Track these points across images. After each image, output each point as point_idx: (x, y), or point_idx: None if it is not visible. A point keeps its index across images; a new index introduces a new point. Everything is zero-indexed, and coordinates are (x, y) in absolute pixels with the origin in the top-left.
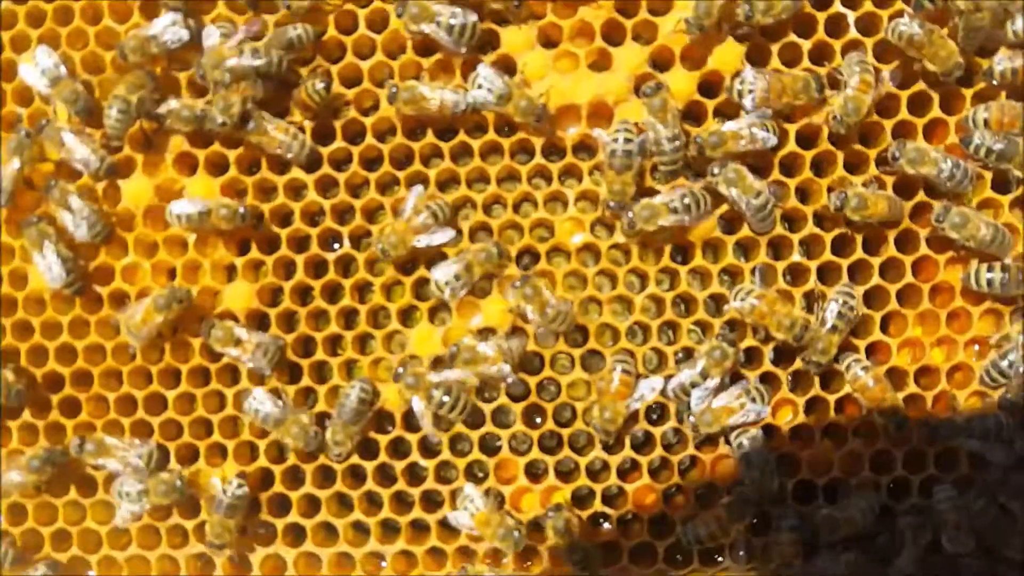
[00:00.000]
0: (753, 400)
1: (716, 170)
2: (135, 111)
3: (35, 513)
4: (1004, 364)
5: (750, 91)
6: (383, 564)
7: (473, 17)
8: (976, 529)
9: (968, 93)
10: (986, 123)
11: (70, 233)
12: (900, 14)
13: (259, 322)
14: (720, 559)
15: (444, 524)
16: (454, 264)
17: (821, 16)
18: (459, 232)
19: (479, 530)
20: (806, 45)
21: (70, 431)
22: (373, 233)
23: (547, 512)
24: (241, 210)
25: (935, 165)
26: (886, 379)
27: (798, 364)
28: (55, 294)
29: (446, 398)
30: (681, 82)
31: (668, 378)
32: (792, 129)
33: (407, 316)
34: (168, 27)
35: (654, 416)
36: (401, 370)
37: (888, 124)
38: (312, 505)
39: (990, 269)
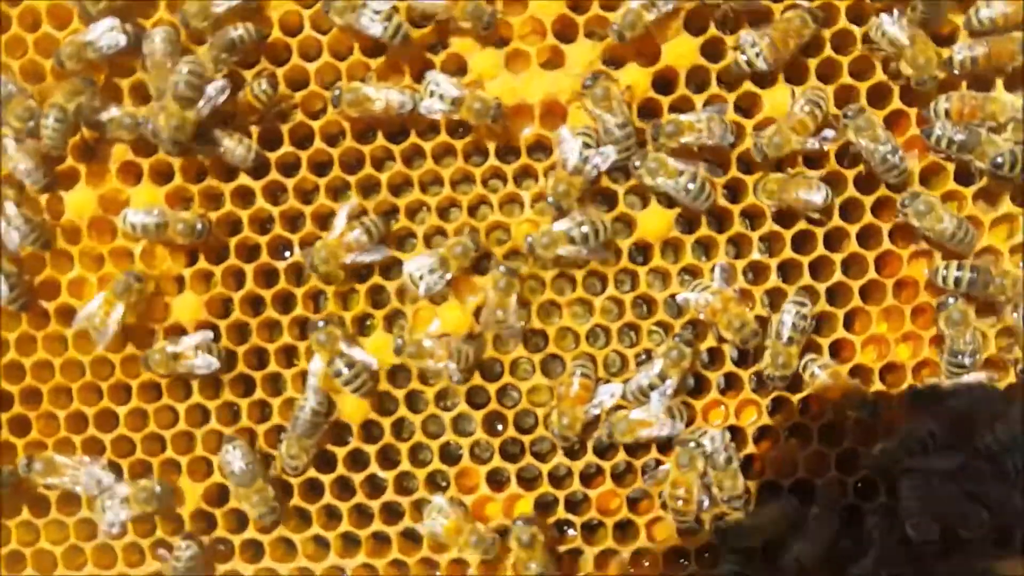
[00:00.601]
0: (672, 417)
1: (637, 163)
2: (73, 119)
3: None
4: (956, 359)
5: (756, 53)
6: None
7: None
8: (939, 515)
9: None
10: (947, 113)
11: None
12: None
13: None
14: (685, 563)
15: (406, 535)
16: (428, 257)
17: (777, 8)
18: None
19: (449, 540)
20: None
21: (20, 450)
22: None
23: (515, 521)
24: (199, 226)
25: (875, 142)
26: (846, 374)
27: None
28: (0, 310)
29: (345, 370)
30: (636, 78)
31: (628, 381)
32: (749, 124)
33: (363, 324)
34: (105, 32)
35: None
36: (321, 324)
37: None
38: None
39: (959, 268)
